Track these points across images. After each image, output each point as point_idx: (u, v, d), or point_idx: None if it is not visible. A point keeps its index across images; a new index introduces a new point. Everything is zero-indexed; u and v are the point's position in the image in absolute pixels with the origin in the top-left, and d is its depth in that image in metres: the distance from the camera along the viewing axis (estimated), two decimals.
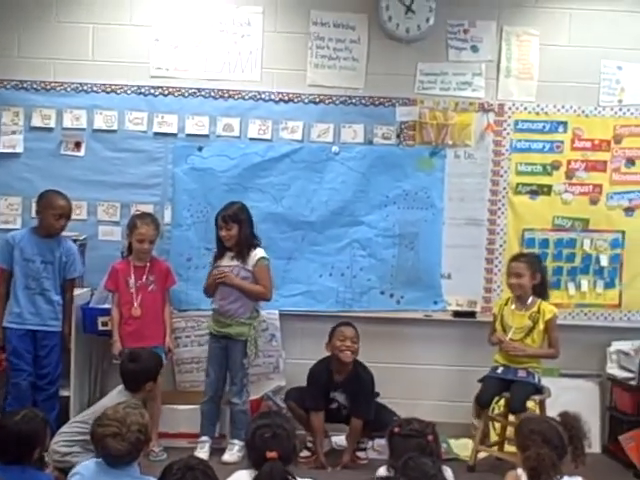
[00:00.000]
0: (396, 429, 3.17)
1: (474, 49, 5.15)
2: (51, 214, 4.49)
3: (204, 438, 4.64)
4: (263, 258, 4.64)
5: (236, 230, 4.57)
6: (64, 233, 4.67)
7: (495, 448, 4.74)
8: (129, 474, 2.93)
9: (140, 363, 4.14)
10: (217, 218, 4.61)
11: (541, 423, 3.32)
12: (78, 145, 5.04)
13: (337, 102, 5.10)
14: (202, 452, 4.50)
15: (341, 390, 4.62)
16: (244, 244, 4.60)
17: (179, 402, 4.83)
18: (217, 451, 4.62)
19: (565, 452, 3.18)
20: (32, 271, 4.52)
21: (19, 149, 5.03)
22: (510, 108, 5.15)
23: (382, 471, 3.14)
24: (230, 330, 4.60)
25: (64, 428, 4.03)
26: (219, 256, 4.66)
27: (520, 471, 3.18)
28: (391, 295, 5.16)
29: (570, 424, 3.29)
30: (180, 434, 4.73)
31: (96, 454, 3.03)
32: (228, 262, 4.62)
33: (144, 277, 4.66)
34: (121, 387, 4.14)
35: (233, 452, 4.54)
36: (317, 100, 5.10)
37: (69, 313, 4.64)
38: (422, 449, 3.03)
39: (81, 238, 4.93)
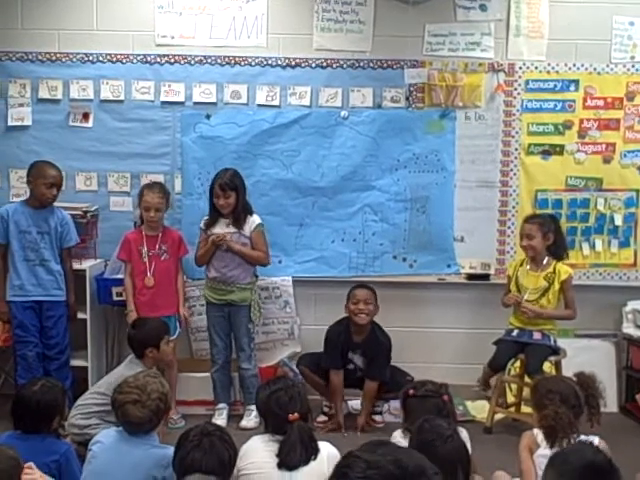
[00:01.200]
0: (411, 391, 3.17)
1: (483, 8, 5.06)
2: (42, 183, 4.47)
3: (221, 405, 4.68)
4: (260, 224, 4.64)
5: (234, 198, 4.53)
6: (63, 205, 4.69)
7: (512, 409, 4.75)
8: (149, 442, 2.96)
9: (140, 329, 4.19)
10: (213, 186, 4.57)
11: (558, 383, 3.34)
12: (86, 116, 5.02)
13: (345, 66, 5.05)
14: (220, 419, 4.54)
15: (359, 352, 4.63)
16: (241, 211, 4.58)
17: (196, 370, 4.87)
18: (234, 417, 4.67)
19: (582, 411, 3.20)
20: (30, 242, 4.51)
21: (27, 122, 5.01)
22: (520, 68, 5.08)
23: (397, 435, 3.15)
24: (233, 296, 4.61)
25: (80, 401, 4.06)
26: (211, 223, 4.63)
27: (536, 431, 3.20)
28: (404, 259, 5.15)
29: (586, 384, 3.30)
30: (197, 401, 4.78)
31: (116, 421, 3.06)
32: (223, 229, 4.59)
33: (156, 246, 4.66)
34: (132, 356, 4.18)
35: (251, 418, 4.58)
36: (324, 64, 5.05)
37: (71, 282, 4.66)
38: (439, 409, 3.04)
39: (92, 209, 4.94)
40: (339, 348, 4.62)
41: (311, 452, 2.81)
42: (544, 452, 3.04)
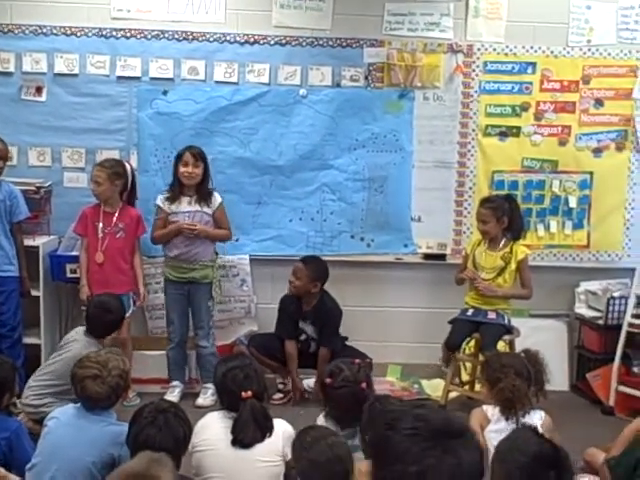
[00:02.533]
0: (328, 380, 3.05)
1: None
2: None
3: (175, 383, 4.67)
4: (221, 202, 4.64)
5: (201, 170, 4.53)
6: (15, 180, 4.61)
7: (466, 388, 4.81)
8: (107, 420, 2.93)
9: (107, 314, 4.08)
10: (181, 155, 4.53)
11: (510, 358, 3.47)
12: (39, 90, 4.91)
13: (304, 44, 5.01)
14: (172, 396, 4.50)
15: (309, 321, 4.70)
16: (205, 187, 4.56)
17: (151, 348, 4.83)
18: (190, 395, 4.65)
19: (531, 384, 3.29)
20: None
21: None
22: (479, 49, 5.09)
23: (321, 419, 3.05)
24: (195, 274, 4.60)
25: (31, 382, 3.98)
26: (173, 200, 4.58)
27: (485, 407, 3.26)
28: (361, 239, 5.15)
29: (533, 360, 3.42)
30: (153, 379, 4.74)
31: (72, 399, 3.02)
32: (187, 207, 4.57)
33: (112, 224, 4.58)
34: (84, 333, 4.05)
35: (207, 396, 4.56)
36: (283, 42, 5.00)
37: (22, 257, 4.57)
38: (357, 399, 2.92)
39: (46, 185, 4.84)
40: (292, 317, 4.69)
41: (265, 430, 2.81)
42: (495, 427, 3.10)
